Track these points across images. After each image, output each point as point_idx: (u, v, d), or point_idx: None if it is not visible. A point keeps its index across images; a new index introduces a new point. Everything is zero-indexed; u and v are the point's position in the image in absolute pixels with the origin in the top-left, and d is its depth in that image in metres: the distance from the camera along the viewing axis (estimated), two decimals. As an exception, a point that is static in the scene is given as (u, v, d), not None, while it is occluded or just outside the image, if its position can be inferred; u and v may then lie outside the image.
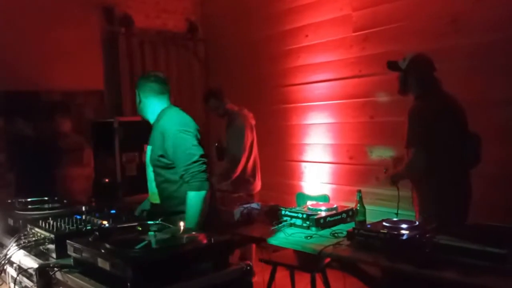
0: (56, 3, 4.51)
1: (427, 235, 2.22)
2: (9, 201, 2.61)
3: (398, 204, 2.88)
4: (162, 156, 2.40)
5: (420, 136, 2.73)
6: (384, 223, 2.49)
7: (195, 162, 2.33)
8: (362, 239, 2.40)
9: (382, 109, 3.95)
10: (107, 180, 4.61)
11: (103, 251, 1.57)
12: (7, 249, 2.00)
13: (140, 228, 1.84)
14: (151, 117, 2.55)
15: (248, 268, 1.66)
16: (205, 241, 1.66)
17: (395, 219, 2.65)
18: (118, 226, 1.91)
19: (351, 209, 3.04)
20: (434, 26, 3.57)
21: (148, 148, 2.53)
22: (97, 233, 1.75)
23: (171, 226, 1.88)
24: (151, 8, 5.28)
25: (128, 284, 1.43)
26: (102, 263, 1.54)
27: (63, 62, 4.48)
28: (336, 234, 2.70)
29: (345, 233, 2.59)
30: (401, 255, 2.15)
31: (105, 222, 2.01)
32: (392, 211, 2.95)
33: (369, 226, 2.51)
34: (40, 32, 4.39)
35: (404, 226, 2.40)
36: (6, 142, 4.16)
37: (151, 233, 1.77)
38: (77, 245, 1.69)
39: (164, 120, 2.47)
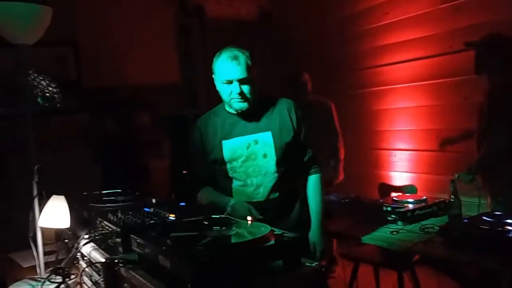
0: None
1: (541, 232, 1.88)
2: (85, 193, 2.64)
3: (480, 195, 2.59)
4: (292, 140, 2.17)
5: (503, 113, 2.69)
6: (484, 217, 2.18)
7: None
8: (458, 235, 2.11)
9: (479, 88, 3.46)
10: (184, 171, 4.64)
11: (164, 247, 1.45)
12: (77, 242, 1.99)
13: (206, 223, 1.71)
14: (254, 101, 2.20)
15: (323, 269, 1.46)
16: (274, 238, 1.48)
17: (496, 212, 2.32)
18: (184, 220, 1.79)
19: (443, 201, 2.73)
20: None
21: (234, 141, 2.21)
22: (160, 227, 1.64)
23: (238, 220, 1.73)
24: (222, -4, 5.21)
25: (189, 285, 1.29)
26: (163, 261, 1.42)
27: (139, 56, 4.53)
28: (426, 230, 2.42)
29: (437, 228, 2.33)
30: (509, 255, 1.83)
31: (172, 216, 1.92)
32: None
33: (466, 221, 2.20)
34: (117, 28, 4.47)
35: (509, 221, 2.06)
36: (91, 138, 4.32)
37: (216, 228, 1.64)
38: (139, 240, 1.59)
39: (282, 103, 2.24)
